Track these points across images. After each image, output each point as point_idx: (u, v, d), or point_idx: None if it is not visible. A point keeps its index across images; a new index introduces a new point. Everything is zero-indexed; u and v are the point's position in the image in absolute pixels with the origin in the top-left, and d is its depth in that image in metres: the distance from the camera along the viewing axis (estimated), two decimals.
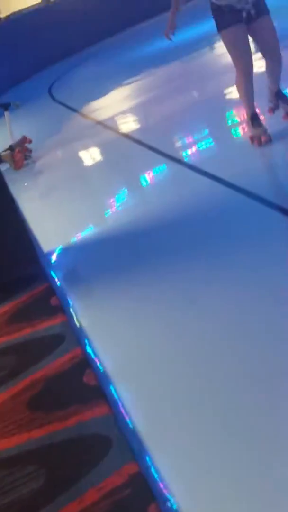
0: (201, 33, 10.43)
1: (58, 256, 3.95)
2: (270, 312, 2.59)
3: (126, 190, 5.08)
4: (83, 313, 3.07)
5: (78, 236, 4.28)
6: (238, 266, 3.04)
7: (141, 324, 2.91)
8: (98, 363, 2.59)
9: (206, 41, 9.67)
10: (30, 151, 6.77)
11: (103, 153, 6.61)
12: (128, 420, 2.21)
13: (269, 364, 2.28)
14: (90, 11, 14.42)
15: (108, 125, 7.21)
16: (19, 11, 15.15)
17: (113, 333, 2.88)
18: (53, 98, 10.10)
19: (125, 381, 2.50)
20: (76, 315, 3.06)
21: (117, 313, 3.04)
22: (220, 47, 8.99)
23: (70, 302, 3.21)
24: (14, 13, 15.07)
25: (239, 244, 3.27)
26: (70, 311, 3.09)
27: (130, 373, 2.56)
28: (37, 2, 15.47)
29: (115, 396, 2.38)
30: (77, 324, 2.96)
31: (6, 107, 6.88)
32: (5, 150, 6.64)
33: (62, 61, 13.69)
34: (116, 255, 3.75)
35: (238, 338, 2.50)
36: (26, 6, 16.07)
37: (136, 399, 2.38)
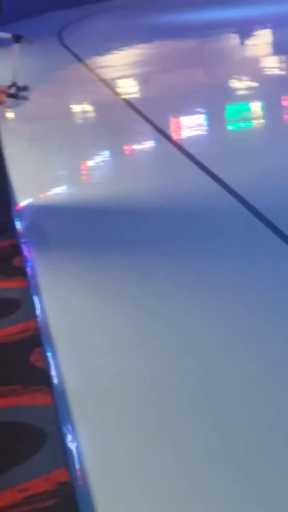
0: (233, 17, 10.18)
1: (31, 213, 3.72)
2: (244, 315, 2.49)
3: (111, 159, 4.86)
4: (46, 282, 2.86)
5: (56, 196, 4.05)
6: (208, 268, 2.91)
7: (103, 306, 2.73)
8: (49, 344, 2.41)
9: (235, 27, 9.46)
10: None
11: (98, 113, 6.36)
12: (70, 417, 2.03)
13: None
14: None
15: (110, 85, 6.93)
16: None
17: (74, 313, 2.69)
18: (61, 42, 9.71)
19: (77, 370, 2.32)
20: (38, 283, 2.85)
21: (82, 290, 2.85)
22: (244, 38, 8.96)
23: (35, 267, 3.00)
24: None
25: (214, 247, 3.13)
26: (32, 277, 2.88)
27: (84, 361, 2.39)
28: None
29: (60, 384, 2.20)
30: (37, 294, 2.76)
31: (18, 39, 6.41)
32: None
33: (80, 7, 13.17)
34: (91, 227, 3.55)
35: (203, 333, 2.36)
36: None
37: (84, 390, 2.21)
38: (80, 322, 2.64)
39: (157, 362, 2.31)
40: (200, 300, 2.67)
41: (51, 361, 2.31)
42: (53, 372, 2.25)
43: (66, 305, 2.75)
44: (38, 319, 2.57)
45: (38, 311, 2.63)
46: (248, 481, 1.74)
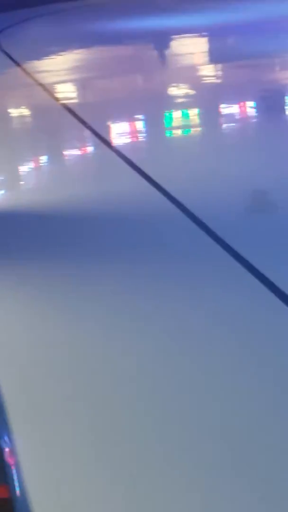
0: (177, 25, 10.25)
1: None
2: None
3: (49, 165, 4.80)
4: None
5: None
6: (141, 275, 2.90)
7: (38, 317, 2.69)
8: None
9: (178, 36, 9.55)
10: None
11: (36, 117, 6.29)
12: (8, 430, 1.98)
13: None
14: None
15: (48, 90, 6.85)
16: None
17: (7, 326, 2.64)
18: None
19: (13, 383, 2.26)
20: None
21: (14, 303, 2.80)
22: (182, 46, 9.05)
23: None
24: None
25: (153, 253, 3.12)
26: None
27: (20, 374, 2.34)
28: None
29: None
30: None
31: None
32: None
33: (18, 11, 12.89)
34: (27, 235, 3.47)
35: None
36: None
37: (21, 403, 2.16)
38: (13, 334, 2.59)
39: (94, 369, 2.28)
40: (136, 305, 2.67)
41: None
42: None
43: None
44: None
45: None
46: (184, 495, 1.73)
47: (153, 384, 2.19)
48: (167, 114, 5.91)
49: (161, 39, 9.60)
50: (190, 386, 2.16)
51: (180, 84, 6.87)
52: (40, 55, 8.87)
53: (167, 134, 5.48)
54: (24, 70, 7.95)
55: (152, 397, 2.13)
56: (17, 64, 8.28)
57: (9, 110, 6.66)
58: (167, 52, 9.10)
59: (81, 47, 9.32)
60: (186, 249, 3.15)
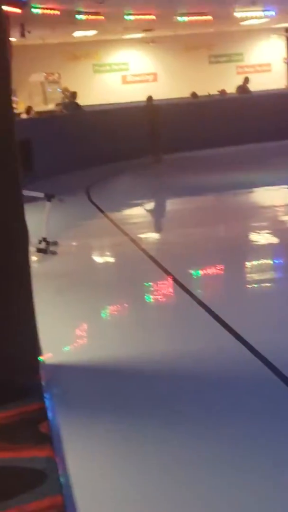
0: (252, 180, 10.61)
1: (53, 370, 3.63)
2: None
3: (133, 316, 4.87)
4: (72, 455, 2.78)
5: (80, 353, 4.02)
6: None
7: (126, 473, 2.67)
8: None
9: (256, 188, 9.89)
10: None
11: (121, 266, 6.46)
12: None
13: None
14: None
15: (135, 241, 7.09)
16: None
17: (100, 483, 2.62)
18: (89, 198, 10.14)
19: None
20: (64, 455, 2.76)
21: (107, 460, 2.79)
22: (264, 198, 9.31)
23: (59, 433, 2.93)
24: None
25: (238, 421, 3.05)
26: (58, 447, 2.81)
27: None
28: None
29: None
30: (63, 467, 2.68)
31: (50, 198, 6.85)
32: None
33: (105, 165, 13.57)
34: (116, 387, 3.49)
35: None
36: None
37: None
38: (105, 492, 2.55)
39: None
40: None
41: None
42: None
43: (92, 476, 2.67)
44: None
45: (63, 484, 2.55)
46: None
47: None
48: (249, 264, 6.00)
49: (244, 192, 9.97)
50: None
51: (263, 234, 7.02)
52: (125, 206, 9.37)
53: (250, 285, 5.53)
54: (111, 220, 8.35)
55: None
56: (105, 214, 8.73)
57: (96, 259, 6.94)
58: (248, 202, 9.41)
59: (164, 199, 9.77)
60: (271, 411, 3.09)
